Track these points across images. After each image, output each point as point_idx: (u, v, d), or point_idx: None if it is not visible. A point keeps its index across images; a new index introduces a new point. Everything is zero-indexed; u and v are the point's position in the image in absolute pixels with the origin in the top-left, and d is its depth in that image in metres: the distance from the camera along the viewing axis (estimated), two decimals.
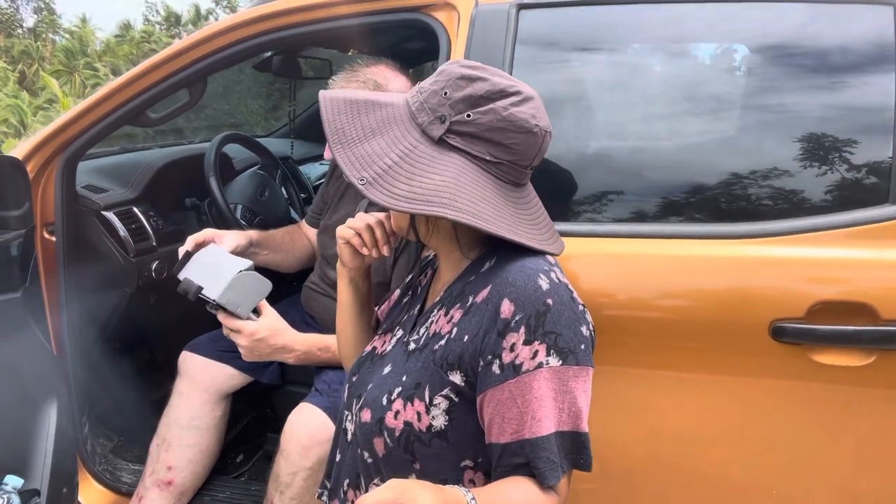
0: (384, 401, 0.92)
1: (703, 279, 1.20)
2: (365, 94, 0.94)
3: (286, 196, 2.47)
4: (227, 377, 1.78)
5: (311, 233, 1.95)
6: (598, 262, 1.25)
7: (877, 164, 1.19)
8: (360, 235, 1.08)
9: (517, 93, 0.89)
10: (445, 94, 0.89)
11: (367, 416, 0.94)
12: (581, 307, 0.88)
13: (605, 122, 1.43)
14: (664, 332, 1.22)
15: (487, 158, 0.89)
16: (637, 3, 1.35)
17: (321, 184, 2.32)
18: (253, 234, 1.73)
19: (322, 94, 0.92)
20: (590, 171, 1.38)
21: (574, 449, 0.86)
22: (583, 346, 0.85)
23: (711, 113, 1.37)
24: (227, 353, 1.77)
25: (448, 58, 1.40)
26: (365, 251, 1.08)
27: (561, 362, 0.83)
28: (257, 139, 2.60)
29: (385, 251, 1.08)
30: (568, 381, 0.84)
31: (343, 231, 1.09)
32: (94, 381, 1.89)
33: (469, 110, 0.88)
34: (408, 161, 0.88)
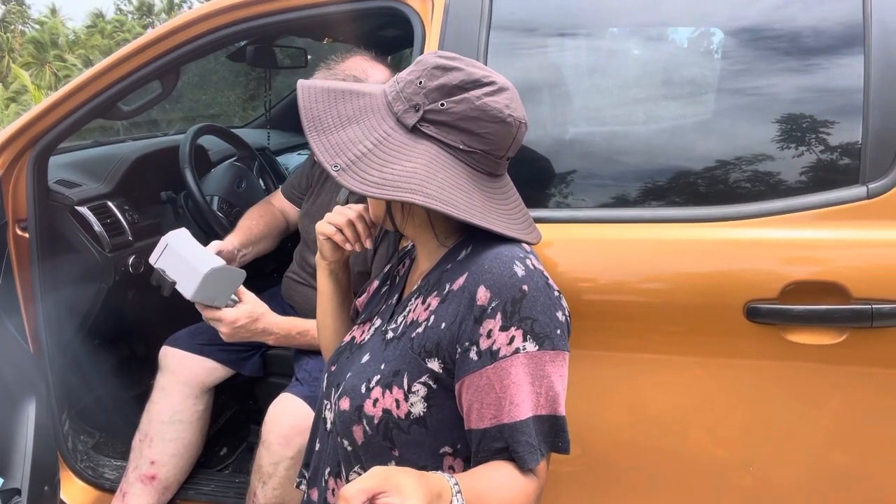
0: (363, 389, 0.92)
1: (678, 262, 1.21)
2: (344, 84, 0.95)
3: (263, 187, 2.45)
4: (208, 371, 1.77)
5: (286, 206, 1.96)
6: (578, 248, 1.26)
7: (848, 145, 1.21)
8: (341, 231, 1.08)
9: (492, 83, 0.90)
10: (420, 83, 0.90)
11: (345, 404, 0.94)
12: (556, 293, 0.89)
13: (581, 107, 1.43)
14: (643, 315, 1.23)
15: (461, 147, 0.90)
16: None
17: None
18: (234, 240, 1.74)
19: (300, 83, 0.93)
20: (567, 158, 1.38)
21: (552, 432, 0.87)
22: (559, 331, 0.86)
23: (687, 96, 1.38)
24: (207, 346, 1.77)
25: (422, 45, 1.39)
26: (348, 247, 1.08)
27: (537, 347, 0.84)
28: (233, 130, 2.57)
29: (367, 244, 1.09)
30: (545, 366, 0.85)
31: (324, 227, 1.09)
32: (74, 377, 1.87)
33: (443, 99, 0.89)
34: (381, 148, 0.88)
